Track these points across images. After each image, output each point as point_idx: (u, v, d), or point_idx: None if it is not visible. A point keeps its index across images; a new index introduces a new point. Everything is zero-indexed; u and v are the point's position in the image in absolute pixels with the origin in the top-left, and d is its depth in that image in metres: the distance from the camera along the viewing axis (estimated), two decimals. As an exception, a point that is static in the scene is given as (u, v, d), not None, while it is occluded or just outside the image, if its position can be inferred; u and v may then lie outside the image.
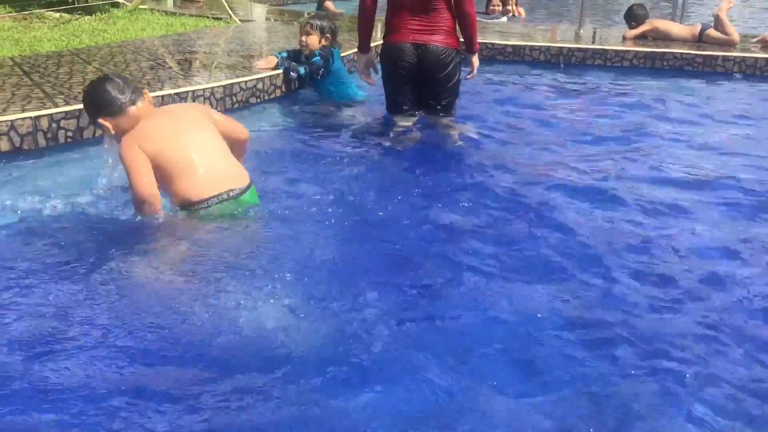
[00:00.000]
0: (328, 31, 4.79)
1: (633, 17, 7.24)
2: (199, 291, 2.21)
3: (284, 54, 4.95)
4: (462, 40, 4.10)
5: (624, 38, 7.14)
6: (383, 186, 3.33)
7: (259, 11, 9.02)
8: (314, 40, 4.76)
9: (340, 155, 3.75)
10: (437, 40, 3.94)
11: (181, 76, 4.48)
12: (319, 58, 4.72)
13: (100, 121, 2.72)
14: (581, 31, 7.74)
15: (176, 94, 4.00)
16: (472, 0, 4.00)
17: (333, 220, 2.79)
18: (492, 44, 6.66)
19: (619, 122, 4.70)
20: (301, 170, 3.42)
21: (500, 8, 9.44)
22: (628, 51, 6.54)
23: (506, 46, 6.69)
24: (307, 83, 4.88)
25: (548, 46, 6.66)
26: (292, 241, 2.60)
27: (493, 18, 9.22)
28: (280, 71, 4.78)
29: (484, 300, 2.26)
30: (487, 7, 9.43)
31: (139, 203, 2.62)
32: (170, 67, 4.78)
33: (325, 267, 2.42)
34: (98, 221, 2.71)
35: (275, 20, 8.09)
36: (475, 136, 4.15)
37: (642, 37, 7.11)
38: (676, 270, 2.55)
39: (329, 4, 10.51)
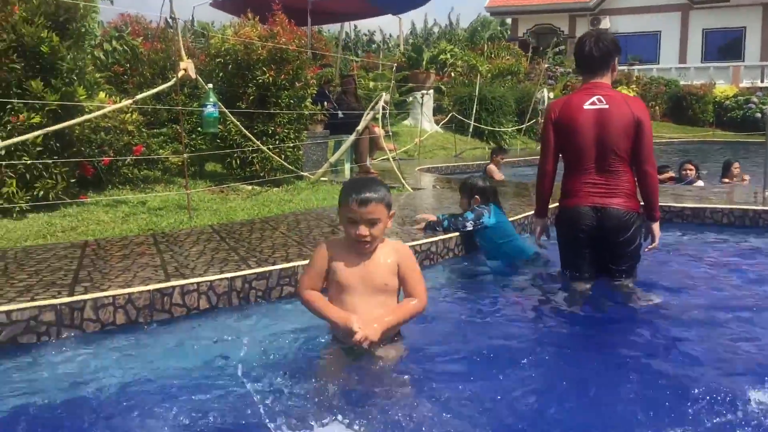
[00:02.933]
0: (477, 191, 4.97)
1: None
2: None
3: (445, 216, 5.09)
4: (642, 203, 3.99)
5: None
6: (562, 354, 3.16)
7: (428, 180, 9.49)
8: (464, 204, 5.08)
9: (514, 318, 3.64)
10: (617, 203, 3.84)
11: (359, 241, 4.70)
12: (470, 213, 4.91)
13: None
14: (766, 193, 7.29)
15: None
16: (653, 160, 3.91)
17: (509, 385, 2.66)
18: (669, 206, 6.44)
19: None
20: (475, 332, 3.34)
21: (693, 172, 9.34)
22: (825, 212, 6.02)
23: (684, 208, 6.43)
24: (477, 238, 4.95)
25: (732, 209, 6.31)
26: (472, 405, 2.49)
27: (686, 183, 9.07)
28: (453, 235, 4.89)
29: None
30: (679, 172, 9.38)
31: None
32: (349, 232, 5.04)
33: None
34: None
35: (442, 188, 8.43)
36: (659, 302, 3.87)
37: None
38: None
39: (492, 168, 10.80)
